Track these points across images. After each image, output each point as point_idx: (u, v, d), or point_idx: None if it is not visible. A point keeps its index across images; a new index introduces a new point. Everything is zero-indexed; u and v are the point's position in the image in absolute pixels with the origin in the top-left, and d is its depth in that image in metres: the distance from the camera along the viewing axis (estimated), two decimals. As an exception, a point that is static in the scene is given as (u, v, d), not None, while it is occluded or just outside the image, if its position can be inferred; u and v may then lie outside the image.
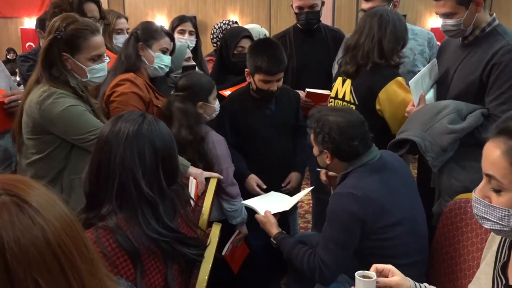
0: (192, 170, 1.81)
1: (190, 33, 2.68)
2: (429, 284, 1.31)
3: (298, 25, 2.62)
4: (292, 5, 2.58)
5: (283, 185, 2.30)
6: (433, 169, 1.82)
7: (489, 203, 0.95)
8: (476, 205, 0.98)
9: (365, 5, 2.30)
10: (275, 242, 1.86)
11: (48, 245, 0.59)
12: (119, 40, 2.60)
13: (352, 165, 1.72)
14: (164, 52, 2.09)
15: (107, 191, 1.16)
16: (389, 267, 1.21)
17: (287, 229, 2.22)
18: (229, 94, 2.33)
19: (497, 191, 0.93)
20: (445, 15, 1.87)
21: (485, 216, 0.96)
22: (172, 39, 2.17)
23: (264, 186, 2.24)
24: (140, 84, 1.98)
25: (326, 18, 3.24)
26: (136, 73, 2.03)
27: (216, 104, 2.11)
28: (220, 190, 2.05)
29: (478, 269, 1.43)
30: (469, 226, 1.62)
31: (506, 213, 0.91)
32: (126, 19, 2.80)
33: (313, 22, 2.55)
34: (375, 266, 1.22)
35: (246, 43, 2.44)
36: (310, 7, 2.50)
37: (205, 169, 1.90)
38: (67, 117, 1.67)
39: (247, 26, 2.96)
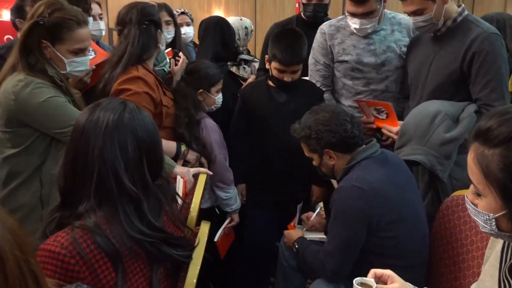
0: (178, 169, 1.73)
1: (167, 23, 2.51)
2: (428, 285, 1.25)
3: (302, 15, 2.52)
4: None
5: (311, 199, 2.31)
6: (443, 180, 1.79)
7: (475, 207, 0.93)
8: (468, 206, 0.96)
9: (359, 9, 2.11)
10: (296, 245, 1.86)
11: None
12: (92, 27, 2.32)
13: (355, 158, 1.66)
14: None
15: (85, 186, 1.05)
16: (388, 272, 1.13)
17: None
18: (250, 82, 2.37)
19: (478, 195, 0.92)
20: (414, 13, 1.88)
21: (475, 218, 0.95)
22: None
23: (244, 198, 2.30)
24: (152, 83, 1.87)
25: (336, 11, 3.15)
26: (144, 64, 1.90)
27: (217, 97, 2.12)
28: (215, 178, 2.09)
29: (478, 269, 1.38)
30: (467, 224, 1.56)
31: (487, 217, 0.90)
32: (98, 4, 2.60)
33: (319, 15, 2.48)
34: (373, 271, 1.14)
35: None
36: None
37: (198, 153, 1.99)
38: (47, 109, 1.56)
39: (229, 19, 2.85)
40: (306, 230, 2.06)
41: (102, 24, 2.50)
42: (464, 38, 1.83)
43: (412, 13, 1.88)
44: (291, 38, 2.11)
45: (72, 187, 1.07)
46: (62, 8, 1.59)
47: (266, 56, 2.18)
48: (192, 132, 1.99)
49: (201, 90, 2.07)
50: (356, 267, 1.62)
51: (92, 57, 1.94)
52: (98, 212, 1.04)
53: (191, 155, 1.98)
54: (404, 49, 2.20)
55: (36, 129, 1.60)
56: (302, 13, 2.54)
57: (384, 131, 2.03)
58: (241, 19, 2.95)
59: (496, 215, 0.88)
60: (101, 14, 2.55)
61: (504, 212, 0.86)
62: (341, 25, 2.29)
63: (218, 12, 7.76)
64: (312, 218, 2.08)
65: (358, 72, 2.24)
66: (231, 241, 2.28)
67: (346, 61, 2.25)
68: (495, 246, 1.07)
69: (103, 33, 2.57)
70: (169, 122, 1.98)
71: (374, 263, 1.20)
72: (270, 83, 2.23)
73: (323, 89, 2.32)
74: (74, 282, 0.92)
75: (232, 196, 2.16)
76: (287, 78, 2.11)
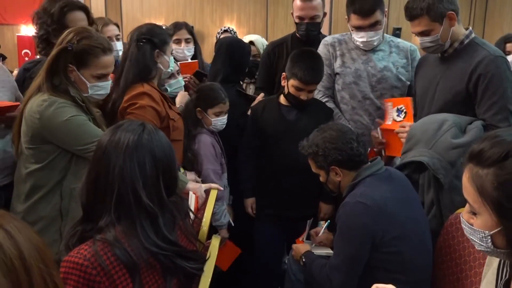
0: (191, 185, 1.79)
1: (187, 41, 2.62)
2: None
3: (297, 34, 2.59)
4: (292, 14, 2.55)
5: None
6: (444, 186, 1.82)
7: (471, 226, 0.97)
8: (464, 226, 1.01)
9: (366, 22, 2.21)
10: (304, 259, 1.91)
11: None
12: None
13: (360, 175, 1.72)
14: (171, 54, 2.10)
15: (105, 202, 1.13)
16: (390, 287, 1.18)
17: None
18: (261, 100, 2.44)
19: (474, 214, 0.96)
20: (421, 33, 1.94)
21: (471, 237, 0.99)
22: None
23: (254, 212, 2.35)
24: (157, 99, 1.95)
25: (323, 29, 3.22)
26: (149, 82, 1.98)
27: (216, 119, 2.22)
28: None
29: (480, 286, 1.41)
30: (470, 241, 1.60)
31: (483, 234, 0.94)
32: (117, 25, 2.72)
33: (313, 33, 2.53)
34: (376, 286, 1.19)
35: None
36: (311, 18, 2.48)
37: (188, 164, 2.13)
38: (69, 127, 1.64)
39: (250, 37, 2.97)
40: (314, 245, 2.11)
41: (120, 45, 2.59)
42: (471, 60, 1.89)
43: (420, 34, 1.95)
44: (313, 58, 2.20)
45: (93, 203, 1.15)
46: (90, 36, 1.69)
47: (283, 73, 2.25)
48: (188, 143, 2.16)
49: (198, 108, 2.22)
50: (361, 281, 1.67)
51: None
52: (117, 226, 1.12)
53: (189, 176, 2.06)
54: (401, 69, 2.29)
55: (58, 146, 1.69)
56: (296, 32, 2.60)
57: (397, 130, 2.07)
58: (262, 38, 3.11)
59: (491, 232, 0.93)
60: (118, 35, 2.65)
61: (499, 228, 0.91)
62: (344, 39, 2.39)
63: (230, 27, 7.92)
64: (320, 234, 2.13)
65: (355, 86, 2.32)
66: (235, 255, 2.32)
67: (344, 74, 2.34)
68: (492, 263, 1.11)
69: (120, 53, 2.68)
70: (176, 135, 2.04)
71: (379, 278, 1.22)
72: (282, 101, 2.30)
73: (325, 99, 2.40)
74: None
75: (219, 212, 2.20)
76: (303, 96, 2.18)
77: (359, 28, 2.23)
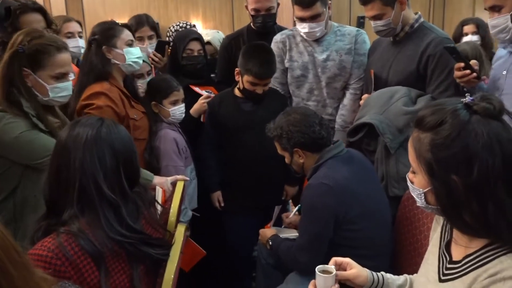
0: (156, 179, 1.80)
1: (150, 38, 2.60)
2: (393, 270, 1.38)
3: (253, 26, 2.62)
4: (246, 7, 2.57)
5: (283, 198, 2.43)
6: (390, 151, 1.92)
7: (411, 184, 1.06)
8: (408, 184, 1.09)
9: (306, 13, 2.25)
10: (270, 243, 1.96)
11: None
12: (71, 44, 2.39)
13: (322, 157, 1.79)
14: (130, 45, 2.02)
15: (68, 196, 1.16)
16: (347, 260, 1.26)
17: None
18: (217, 94, 2.44)
19: (414, 173, 1.05)
20: (374, 17, 2.05)
21: (412, 194, 1.08)
22: (130, 29, 2.11)
23: (222, 204, 2.37)
24: (115, 98, 1.93)
25: (287, 22, 3.26)
26: (110, 80, 1.97)
27: (173, 109, 2.18)
28: None
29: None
30: (425, 212, 1.70)
31: (418, 192, 1.03)
32: (79, 23, 2.68)
33: (269, 25, 2.57)
34: (334, 259, 1.26)
35: (195, 46, 2.47)
36: (267, 10, 2.52)
37: (149, 160, 2.02)
38: (21, 144, 1.57)
39: (206, 37, 2.97)
40: (281, 228, 2.18)
41: (81, 42, 2.56)
42: (421, 43, 2.01)
43: (372, 18, 2.05)
44: (265, 53, 2.23)
45: (56, 197, 1.18)
46: (41, 36, 1.64)
47: (237, 69, 2.27)
48: (149, 141, 2.07)
49: (153, 102, 2.17)
50: (327, 259, 1.74)
51: (72, 79, 2.01)
52: (81, 218, 1.15)
53: (159, 180, 1.88)
54: (345, 56, 2.35)
55: (10, 160, 1.61)
56: (252, 24, 2.63)
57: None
58: (218, 32, 3.10)
59: (424, 190, 1.02)
60: (80, 32, 2.62)
61: (430, 188, 1.00)
62: (292, 34, 2.46)
63: (196, 22, 7.87)
64: (290, 216, 2.20)
65: (304, 79, 2.41)
66: (199, 257, 2.16)
67: (292, 69, 2.42)
68: (437, 229, 1.21)
69: (82, 50, 2.65)
70: (138, 134, 2.01)
71: (344, 254, 1.29)
72: (237, 93, 2.33)
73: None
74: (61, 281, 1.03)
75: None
76: (259, 90, 2.23)
77: (301, 19, 2.28)
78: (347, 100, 2.41)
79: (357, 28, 2.45)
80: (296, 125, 1.79)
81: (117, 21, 2.14)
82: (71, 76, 1.77)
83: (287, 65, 2.44)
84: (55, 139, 1.60)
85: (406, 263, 1.75)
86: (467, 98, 0.96)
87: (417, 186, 1.04)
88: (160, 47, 2.53)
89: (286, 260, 1.84)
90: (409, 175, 1.09)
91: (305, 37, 2.37)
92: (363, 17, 7.38)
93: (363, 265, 1.28)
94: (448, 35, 2.09)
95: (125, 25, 2.09)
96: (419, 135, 1.01)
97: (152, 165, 2.03)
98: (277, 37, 2.49)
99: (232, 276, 2.50)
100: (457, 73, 1.83)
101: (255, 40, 2.46)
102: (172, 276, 1.25)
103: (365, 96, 2.16)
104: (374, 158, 2.00)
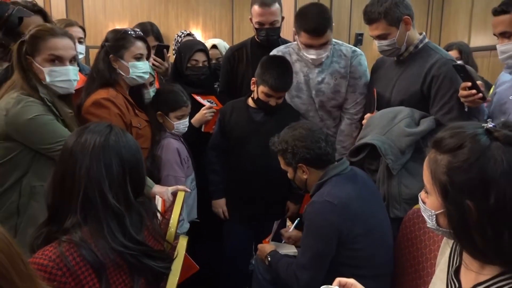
0: (156, 188, 1.78)
1: (153, 48, 2.51)
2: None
3: (256, 39, 2.62)
4: (251, 19, 2.56)
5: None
6: (392, 172, 1.91)
7: (423, 204, 1.05)
8: (420, 204, 1.08)
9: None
10: (269, 258, 1.93)
11: None
12: None
13: (327, 174, 1.77)
14: (138, 58, 1.98)
15: (71, 203, 1.13)
16: (351, 281, 1.23)
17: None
18: (230, 101, 2.42)
19: (427, 193, 1.04)
20: (379, 37, 2.04)
21: (423, 214, 1.06)
22: (145, 41, 2.05)
23: (226, 214, 2.35)
24: (121, 105, 1.91)
25: (289, 35, 3.26)
26: (115, 86, 1.95)
27: (178, 123, 2.18)
28: None
29: (435, 276, 1.50)
30: (426, 234, 1.69)
31: (430, 213, 1.02)
32: (82, 28, 2.67)
33: (273, 38, 2.56)
34: (338, 280, 1.24)
35: (200, 57, 2.47)
36: (271, 23, 2.50)
37: (151, 169, 2.00)
38: (34, 126, 1.62)
39: (213, 41, 2.99)
40: (280, 244, 2.15)
41: (82, 48, 2.56)
42: (425, 63, 2.00)
43: (377, 37, 2.05)
44: (283, 66, 2.21)
45: (59, 204, 1.15)
46: (41, 25, 1.70)
47: (253, 78, 2.26)
48: (151, 150, 2.07)
49: (159, 112, 2.17)
50: (327, 277, 1.72)
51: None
52: (83, 227, 1.12)
53: (160, 189, 1.86)
54: (340, 80, 2.33)
55: (20, 144, 1.66)
56: (256, 37, 2.61)
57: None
58: (223, 41, 3.12)
59: (437, 212, 1.01)
60: (81, 37, 2.61)
61: (442, 210, 0.99)
62: (288, 51, 2.44)
63: (195, 31, 7.90)
64: (290, 230, 2.18)
65: (298, 100, 2.40)
66: (192, 271, 1.99)
67: None
68: (445, 253, 1.19)
69: (81, 56, 2.62)
70: (142, 143, 1.95)
71: (345, 273, 1.27)
72: (250, 103, 2.33)
73: None
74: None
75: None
76: (272, 102, 2.22)
77: (309, 46, 2.25)
78: (344, 125, 2.40)
79: (353, 48, 2.40)
80: (301, 140, 1.78)
81: (136, 30, 2.07)
82: (76, 68, 1.76)
83: None
84: (68, 128, 1.67)
85: (407, 284, 1.73)
86: (489, 124, 0.96)
87: (429, 207, 1.03)
88: (160, 51, 2.52)
89: (286, 277, 1.81)
90: (422, 195, 1.08)
91: (310, 63, 2.33)
92: (361, 34, 7.48)
93: (365, 285, 1.26)
94: (452, 57, 2.10)
95: (140, 37, 2.02)
96: (436, 156, 1.00)
97: (153, 174, 2.00)
98: (273, 53, 2.45)
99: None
100: (462, 92, 1.83)
101: (258, 53, 2.47)
102: (174, 290, 1.22)
103: (367, 115, 2.15)
104: (376, 177, 1.99)
